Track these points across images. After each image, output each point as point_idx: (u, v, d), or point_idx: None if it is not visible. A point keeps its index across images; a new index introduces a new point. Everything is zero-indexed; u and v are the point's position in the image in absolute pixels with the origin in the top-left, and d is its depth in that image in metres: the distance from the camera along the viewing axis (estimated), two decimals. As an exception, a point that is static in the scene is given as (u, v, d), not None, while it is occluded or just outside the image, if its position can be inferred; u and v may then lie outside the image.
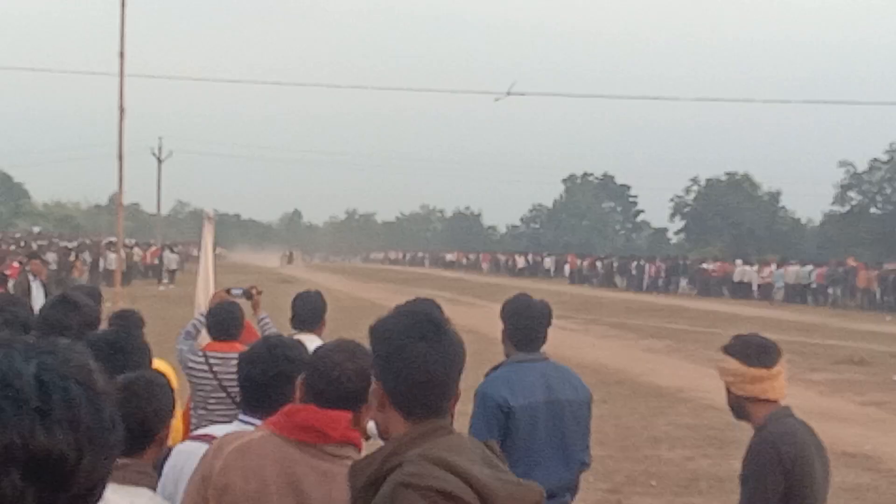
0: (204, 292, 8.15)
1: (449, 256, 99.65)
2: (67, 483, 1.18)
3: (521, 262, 76.72)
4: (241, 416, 3.59)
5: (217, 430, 3.67)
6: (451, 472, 2.27)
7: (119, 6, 7.02)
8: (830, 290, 46.05)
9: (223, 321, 6.18)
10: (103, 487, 1.25)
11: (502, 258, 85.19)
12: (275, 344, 3.67)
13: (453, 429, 2.51)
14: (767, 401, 4.31)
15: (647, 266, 58.11)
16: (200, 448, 3.30)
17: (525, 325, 5.11)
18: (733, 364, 4.25)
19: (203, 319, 6.51)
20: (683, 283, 55.35)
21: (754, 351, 4.26)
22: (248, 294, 7.04)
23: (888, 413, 15.12)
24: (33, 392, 1.17)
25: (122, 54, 6.83)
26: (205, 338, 6.45)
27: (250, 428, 3.44)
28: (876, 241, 75.41)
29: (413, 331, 2.48)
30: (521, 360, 5.06)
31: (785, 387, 4.36)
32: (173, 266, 54.64)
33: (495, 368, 5.16)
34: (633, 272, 58.66)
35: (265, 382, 3.49)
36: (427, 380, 2.46)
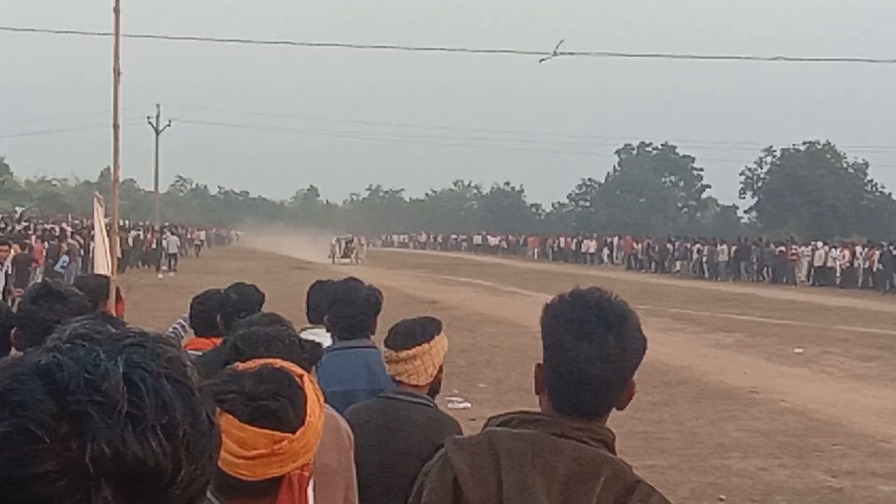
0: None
1: (492, 239, 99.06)
2: (164, 497, 1.15)
3: (588, 245, 75.86)
4: None
5: None
6: None
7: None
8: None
9: (208, 315, 6.19)
10: (202, 500, 1.22)
11: (558, 241, 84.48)
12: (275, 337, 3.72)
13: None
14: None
15: (712, 249, 57.95)
16: None
17: (349, 312, 5.47)
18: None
19: (185, 323, 6.56)
20: (755, 268, 55.09)
21: (392, 335, 4.78)
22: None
23: None
24: (123, 394, 1.13)
25: (116, 10, 6.84)
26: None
27: None
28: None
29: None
30: (345, 346, 5.41)
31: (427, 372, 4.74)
32: (173, 250, 54.99)
33: None
34: (696, 256, 58.56)
35: None
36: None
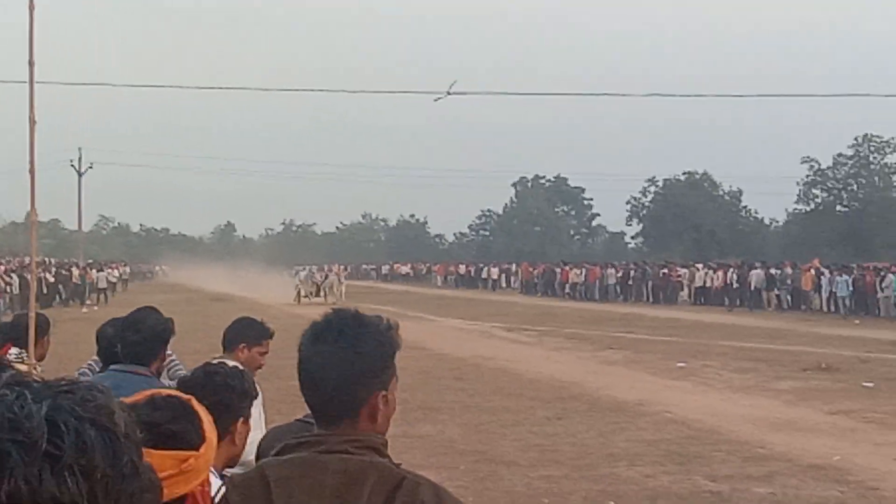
0: None
1: (403, 268, 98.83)
2: None
3: (494, 272, 75.68)
4: None
5: None
6: None
7: (27, 11, 6.98)
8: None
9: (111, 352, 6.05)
10: None
11: (461, 269, 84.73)
12: (215, 371, 3.70)
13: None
14: None
15: (601, 272, 58.52)
16: None
17: (133, 339, 5.27)
18: None
19: (95, 365, 6.43)
20: (642, 290, 55.70)
21: None
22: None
23: (857, 422, 15.30)
24: (43, 435, 1.12)
25: (31, 62, 6.76)
26: None
27: None
28: (842, 240, 76.52)
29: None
30: (121, 370, 5.21)
31: None
32: (103, 285, 54.25)
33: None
34: (583, 279, 59.11)
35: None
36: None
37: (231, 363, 4.27)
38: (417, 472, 2.49)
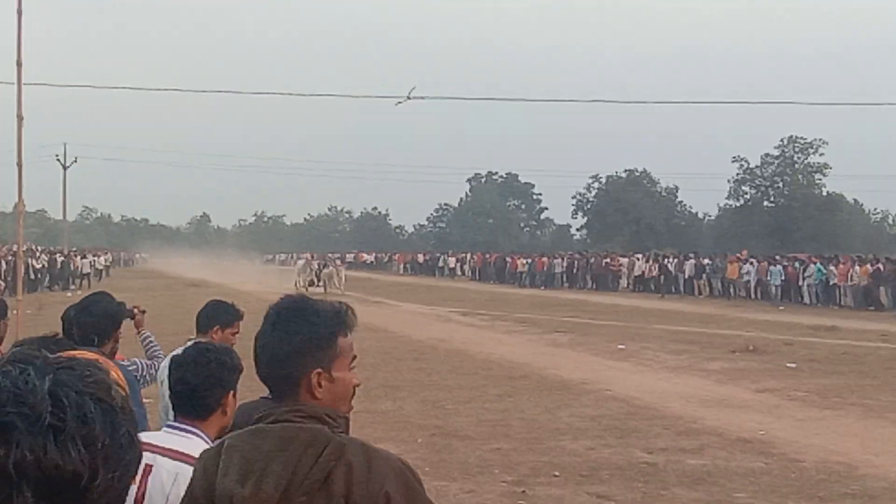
0: None
1: (367, 257, 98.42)
2: (82, 501, 1.14)
3: (451, 261, 74.58)
4: (173, 422, 3.57)
5: (156, 438, 3.56)
6: None
7: (15, 14, 6.91)
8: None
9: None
10: None
11: (420, 258, 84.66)
12: (206, 347, 3.70)
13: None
14: None
15: (548, 261, 58.70)
16: (180, 467, 3.29)
17: (86, 321, 5.29)
18: None
19: None
20: (586, 278, 55.87)
21: None
22: (130, 313, 6.55)
23: (781, 399, 15.44)
24: (47, 408, 1.13)
25: (19, 63, 6.71)
26: None
27: (183, 433, 3.47)
28: (769, 233, 77.15)
29: None
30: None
31: None
32: (87, 270, 53.97)
33: None
34: (527, 269, 59.34)
35: (198, 384, 3.50)
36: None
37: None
38: (353, 437, 2.52)
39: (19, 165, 6.95)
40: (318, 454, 2.38)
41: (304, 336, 2.56)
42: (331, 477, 2.37)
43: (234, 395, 3.61)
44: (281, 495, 2.35)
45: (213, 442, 3.24)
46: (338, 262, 53.47)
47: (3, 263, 43.16)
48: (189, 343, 4.28)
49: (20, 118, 6.82)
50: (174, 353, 4.19)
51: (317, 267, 49.00)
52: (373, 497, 2.37)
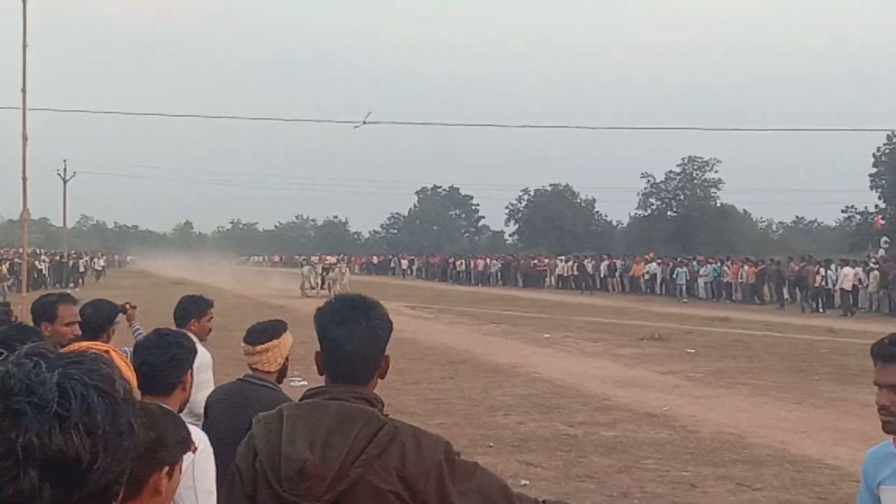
0: None
1: (330, 259, 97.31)
2: (82, 482, 1.13)
3: (404, 263, 74.41)
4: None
5: None
6: None
7: (21, 48, 6.83)
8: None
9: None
10: (119, 486, 1.19)
11: (375, 259, 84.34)
12: (166, 333, 3.70)
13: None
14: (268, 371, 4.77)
15: (484, 262, 58.87)
16: None
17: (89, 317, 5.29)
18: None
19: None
20: (516, 277, 56.03)
21: (249, 332, 4.82)
22: (122, 308, 6.52)
23: (682, 380, 15.60)
24: (54, 398, 1.12)
25: (24, 90, 6.63)
26: None
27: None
28: (672, 238, 77.96)
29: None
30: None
31: (276, 361, 4.76)
32: (82, 269, 53.69)
33: None
34: (464, 269, 59.47)
35: (159, 365, 3.46)
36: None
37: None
38: (403, 421, 2.54)
39: (24, 179, 6.87)
40: (373, 434, 2.40)
41: (387, 329, 2.62)
42: (385, 453, 2.39)
43: (191, 374, 3.59)
44: (340, 465, 2.36)
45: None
46: (342, 264, 47.72)
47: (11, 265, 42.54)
48: None
49: (25, 138, 6.74)
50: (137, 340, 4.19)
51: (321, 272, 43.46)
52: (424, 470, 2.40)
